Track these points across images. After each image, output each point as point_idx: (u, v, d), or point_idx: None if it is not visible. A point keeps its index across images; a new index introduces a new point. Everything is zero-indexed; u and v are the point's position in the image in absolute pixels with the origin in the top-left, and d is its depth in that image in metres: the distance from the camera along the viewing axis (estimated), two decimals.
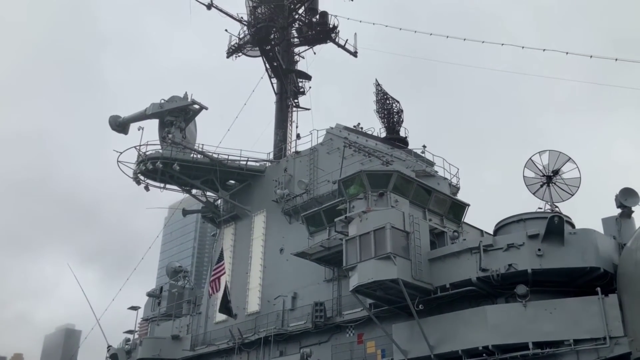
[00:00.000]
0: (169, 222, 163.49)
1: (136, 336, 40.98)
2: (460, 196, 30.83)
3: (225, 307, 32.37)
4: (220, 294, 32.71)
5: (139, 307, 41.16)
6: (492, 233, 24.95)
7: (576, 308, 20.37)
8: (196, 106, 39.93)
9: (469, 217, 29.57)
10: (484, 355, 21.28)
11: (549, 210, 22.89)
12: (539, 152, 23.98)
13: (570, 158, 23.55)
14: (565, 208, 23.52)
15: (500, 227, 24.20)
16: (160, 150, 37.32)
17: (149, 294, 43.67)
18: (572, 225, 22.80)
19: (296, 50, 45.04)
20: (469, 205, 29.09)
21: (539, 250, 21.12)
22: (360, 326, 27.07)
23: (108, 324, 41.97)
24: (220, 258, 33.56)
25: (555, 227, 20.93)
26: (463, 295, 22.77)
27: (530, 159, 24.03)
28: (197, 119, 41.49)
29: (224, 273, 33.16)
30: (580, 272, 21.17)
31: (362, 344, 26.62)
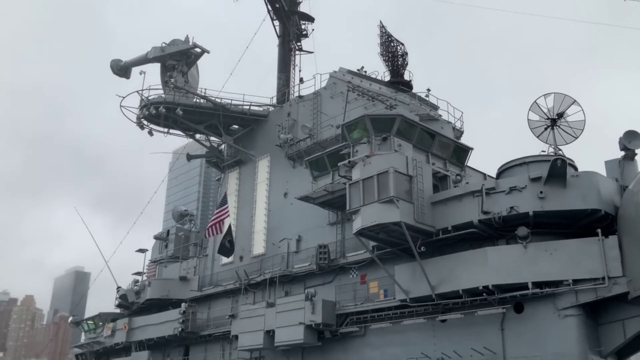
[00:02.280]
0: (174, 167, 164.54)
1: (144, 278, 42.04)
2: (464, 140, 30.86)
3: (224, 248, 33.11)
4: (221, 236, 33.39)
5: (147, 250, 42.06)
6: (495, 176, 25.07)
7: (576, 249, 20.71)
8: (198, 50, 39.50)
9: (472, 161, 29.72)
10: (484, 294, 21.81)
11: (552, 153, 22.91)
12: (543, 95, 23.78)
13: (575, 100, 23.36)
14: (569, 151, 23.56)
15: (503, 171, 24.28)
16: (163, 95, 37.19)
17: (156, 237, 44.47)
18: (575, 168, 22.87)
19: None
20: (472, 149, 29.12)
21: (541, 192, 21.28)
22: (363, 267, 27.65)
23: (117, 267, 43.04)
24: (224, 202, 33.98)
25: (558, 170, 21.01)
26: (464, 237, 23.14)
27: (535, 101, 23.85)
28: (200, 64, 41.17)
29: (227, 216, 33.66)
30: (581, 214, 21.39)
31: (365, 285, 27.26)
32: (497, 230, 22.57)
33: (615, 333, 20.65)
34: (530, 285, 20.77)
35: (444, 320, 23.46)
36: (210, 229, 33.81)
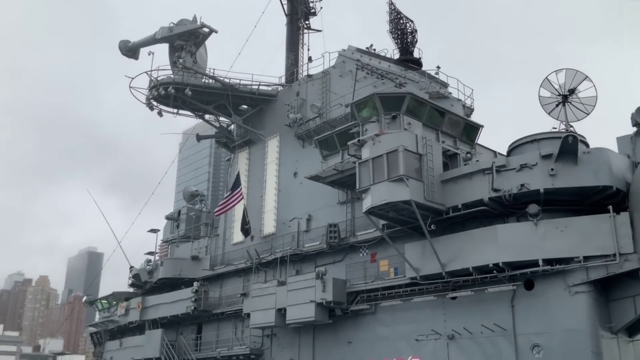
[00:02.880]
0: (184, 148, 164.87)
1: (157, 257, 42.46)
2: (474, 117, 30.64)
3: (244, 229, 33.50)
4: (239, 216, 33.68)
5: (159, 230, 42.42)
6: (505, 154, 24.95)
7: (587, 226, 20.66)
8: (205, 29, 39.33)
9: (483, 139, 29.57)
10: (494, 272, 21.87)
11: (563, 130, 22.74)
12: (555, 71, 23.54)
13: (587, 76, 23.11)
14: (580, 128, 23.39)
15: (514, 148, 24.17)
16: (172, 76, 37.18)
17: (168, 217, 44.80)
18: (586, 145, 22.71)
19: None
20: (482, 126, 28.95)
21: (552, 169, 21.19)
22: (374, 246, 27.77)
23: (129, 247, 43.51)
24: (237, 184, 34.12)
25: (569, 147, 20.88)
26: (475, 215, 23.13)
27: (546, 77, 23.63)
28: (208, 44, 40.99)
29: (242, 198, 33.83)
30: (592, 191, 21.30)
31: (375, 263, 27.41)
32: (508, 208, 22.54)
33: (626, 309, 20.67)
34: (540, 263, 20.78)
35: (454, 298, 23.59)
36: (221, 209, 34.13)
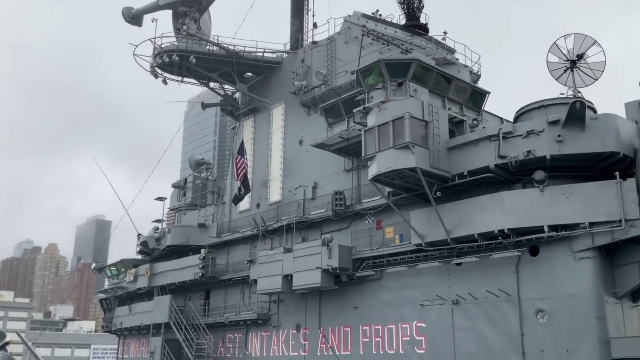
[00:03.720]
0: (189, 117, 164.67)
1: (164, 225, 42.84)
2: (481, 84, 30.39)
3: (236, 197, 33.59)
4: (237, 185, 33.77)
5: (165, 198, 42.67)
6: (512, 121, 24.80)
7: (593, 192, 20.64)
8: None
9: (490, 105, 29.34)
10: (499, 238, 21.98)
11: (571, 96, 22.52)
12: (563, 36, 23.17)
13: (595, 41, 22.74)
14: (588, 93, 23.13)
15: (521, 114, 23.99)
16: (176, 43, 36.89)
17: (174, 185, 45.03)
18: (594, 111, 22.52)
19: None
20: (489, 92, 28.71)
21: (559, 136, 21.07)
22: (379, 213, 27.90)
23: (137, 215, 43.87)
24: (241, 151, 34.11)
25: (577, 113, 20.72)
26: (480, 182, 23.14)
27: (554, 42, 23.28)
28: (212, 10, 40.50)
29: (245, 168, 33.77)
30: (599, 157, 21.22)
31: (381, 230, 27.57)
32: (514, 175, 22.52)
33: (631, 275, 20.78)
34: (546, 229, 20.84)
35: (459, 264, 23.78)
36: (238, 176, 34.25)
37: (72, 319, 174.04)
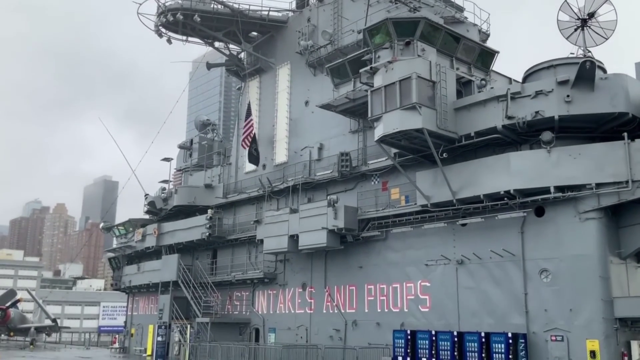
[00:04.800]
0: (194, 77, 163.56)
1: (171, 186, 43.11)
2: (490, 43, 29.95)
3: (252, 157, 33.67)
4: (248, 147, 33.80)
5: (172, 159, 42.82)
6: (521, 81, 24.52)
7: (601, 153, 20.54)
8: None
9: (498, 65, 28.97)
10: (505, 199, 22.02)
11: (581, 56, 22.19)
12: None
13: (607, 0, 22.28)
14: (599, 53, 22.78)
15: (530, 74, 23.70)
16: (180, 1, 36.34)
17: (180, 146, 45.11)
18: (604, 71, 22.22)
19: None
20: (498, 52, 28.30)
21: (568, 96, 20.85)
22: (385, 174, 27.93)
23: (144, 176, 44.10)
24: (248, 114, 34.01)
25: (587, 72, 20.45)
26: (487, 143, 23.05)
27: (565, 0, 22.82)
28: None
29: (252, 130, 33.71)
30: (607, 118, 21.04)
31: (387, 191, 27.65)
32: (521, 136, 22.39)
33: (636, 235, 20.83)
34: (552, 190, 20.84)
35: (464, 224, 23.91)
36: (243, 142, 34.28)
37: (82, 278, 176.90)
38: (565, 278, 20.75)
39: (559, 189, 20.88)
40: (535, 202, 21.64)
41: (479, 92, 24.11)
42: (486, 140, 22.80)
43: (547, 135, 21.06)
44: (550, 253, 21.28)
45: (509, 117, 21.76)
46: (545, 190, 21.07)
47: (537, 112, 21.26)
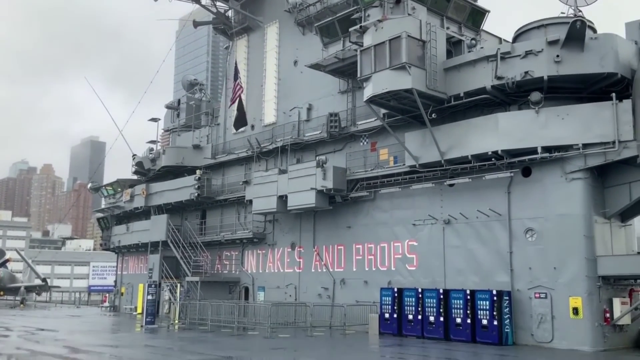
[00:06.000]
0: (181, 36, 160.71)
1: (159, 146, 42.83)
2: (481, 2, 29.55)
3: (237, 121, 33.31)
4: (235, 107, 33.37)
5: (159, 119, 42.40)
6: (511, 41, 24.36)
7: (588, 113, 20.63)
8: None
9: (489, 25, 28.73)
10: (493, 159, 22.16)
11: (572, 15, 22.01)
12: None
13: None
14: (589, 13, 22.59)
15: (520, 34, 23.51)
16: None
17: (168, 106, 44.66)
18: (594, 31, 22.09)
19: None
20: (489, 11, 28.04)
21: (557, 56, 20.78)
22: (374, 135, 27.92)
23: (131, 137, 43.79)
24: (236, 75, 33.54)
25: (577, 32, 20.34)
26: (476, 103, 23.04)
27: None
28: None
29: (241, 91, 33.22)
30: (597, 79, 21.03)
31: (376, 152, 27.70)
32: (510, 96, 22.40)
33: (621, 195, 21.13)
34: (539, 150, 20.98)
35: (451, 185, 24.10)
36: (232, 104, 33.84)
37: (71, 238, 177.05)
38: (550, 237, 21.10)
39: (546, 149, 21.03)
40: (523, 163, 21.80)
41: (469, 52, 23.96)
42: (475, 101, 22.79)
43: (535, 96, 21.06)
44: (536, 212, 21.56)
45: (499, 78, 21.72)
46: (533, 151, 21.21)
47: (526, 73, 21.22)
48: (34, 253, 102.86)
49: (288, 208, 28.95)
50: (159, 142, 43.62)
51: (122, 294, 45.97)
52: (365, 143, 28.50)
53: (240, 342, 21.98)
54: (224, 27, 38.86)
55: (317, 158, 28.01)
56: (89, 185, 51.68)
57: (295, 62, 33.14)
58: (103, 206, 47.67)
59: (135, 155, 42.45)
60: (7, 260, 59.22)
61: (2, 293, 56.97)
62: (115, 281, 48.72)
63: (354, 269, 27.76)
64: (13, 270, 66.38)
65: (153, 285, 29.63)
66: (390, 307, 24.03)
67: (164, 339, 23.58)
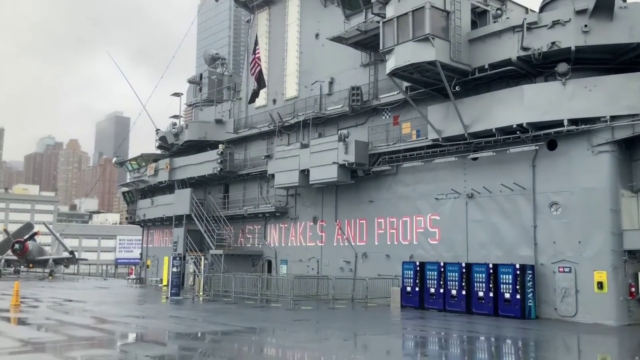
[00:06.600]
0: (202, 10, 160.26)
1: (182, 121, 43.09)
2: None
3: (254, 94, 33.23)
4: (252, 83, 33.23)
5: (182, 94, 42.58)
6: (537, 10, 23.78)
7: (616, 85, 20.13)
8: None
9: None
10: (518, 133, 21.83)
11: None
12: None
13: None
14: None
15: (547, 4, 22.95)
16: None
17: (190, 81, 44.76)
18: None
19: None
20: None
21: (585, 26, 20.25)
22: (396, 109, 27.68)
23: (155, 111, 44.26)
24: (255, 50, 33.33)
25: (606, 1, 19.76)
26: (501, 75, 22.65)
27: None
28: None
29: (258, 65, 32.99)
30: (625, 49, 20.48)
31: (398, 125, 27.48)
32: (536, 68, 21.95)
33: None
34: (566, 123, 20.60)
35: (475, 159, 23.85)
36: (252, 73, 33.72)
37: (97, 212, 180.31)
38: (576, 211, 20.83)
39: (573, 121, 20.63)
40: (548, 136, 21.45)
41: (494, 22, 23.46)
42: (500, 73, 22.40)
43: (562, 67, 20.60)
44: (561, 186, 21.27)
45: (525, 49, 21.27)
46: (559, 123, 20.83)
47: (553, 43, 20.73)
48: (62, 227, 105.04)
49: (310, 182, 28.99)
50: (182, 116, 43.89)
51: (147, 267, 46.82)
52: (387, 117, 28.28)
53: (263, 314, 22.29)
54: (245, 0, 38.59)
55: (339, 132, 27.90)
56: (114, 160, 52.33)
57: (317, 35, 32.85)
58: (128, 180, 48.32)
59: (158, 130, 42.80)
60: (36, 234, 60.53)
61: (31, 265, 58.36)
62: (141, 254, 49.60)
63: (376, 243, 27.81)
64: (41, 243, 67.89)
65: (178, 258, 30.09)
66: (412, 280, 24.09)
67: (189, 310, 24.02)
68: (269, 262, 34.11)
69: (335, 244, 29.95)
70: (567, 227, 21.00)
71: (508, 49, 21.83)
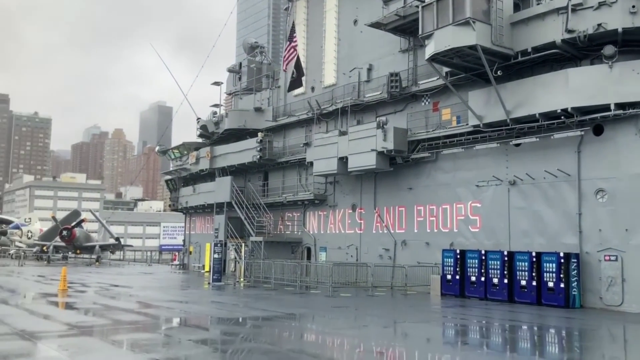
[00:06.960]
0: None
1: (222, 110, 43.56)
2: None
3: (291, 83, 33.12)
4: (290, 71, 33.17)
5: (222, 83, 42.97)
6: None
7: None
8: None
9: None
10: (562, 118, 21.26)
11: None
12: None
13: None
14: None
15: None
16: None
17: (230, 70, 45.15)
18: None
19: None
20: None
21: (633, 7, 19.51)
22: (436, 95, 27.31)
23: (196, 101, 44.76)
24: (292, 37, 33.28)
25: None
26: (545, 59, 22.07)
27: None
28: None
29: (296, 53, 32.93)
30: None
31: (438, 112, 27.13)
32: (581, 51, 21.30)
33: None
34: (612, 107, 19.95)
35: (518, 145, 23.36)
36: (286, 66, 33.74)
37: (142, 199, 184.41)
38: (623, 198, 20.21)
39: (620, 106, 19.96)
40: (594, 121, 20.82)
41: (538, 4, 22.81)
42: (544, 57, 21.82)
43: (609, 50, 19.91)
44: (608, 173, 20.66)
45: (569, 31, 20.63)
46: (605, 108, 20.19)
47: (599, 25, 20.06)
48: (108, 214, 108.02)
49: (348, 170, 28.96)
50: (222, 105, 44.37)
51: (190, 253, 47.74)
52: (427, 103, 27.94)
53: (303, 300, 22.47)
54: None
55: (378, 119, 27.72)
56: (157, 148, 53.37)
57: (355, 22, 32.62)
58: (171, 168, 49.22)
59: (199, 118, 43.40)
60: (83, 221, 62.29)
61: (78, 252, 60.15)
62: (184, 240, 50.59)
63: (415, 231, 27.63)
64: (88, 230, 69.88)
65: (219, 245, 30.58)
66: (452, 268, 23.86)
67: (230, 295, 24.41)
68: (308, 249, 34.32)
69: (374, 232, 29.89)
70: (613, 214, 20.41)
71: (552, 32, 21.22)
